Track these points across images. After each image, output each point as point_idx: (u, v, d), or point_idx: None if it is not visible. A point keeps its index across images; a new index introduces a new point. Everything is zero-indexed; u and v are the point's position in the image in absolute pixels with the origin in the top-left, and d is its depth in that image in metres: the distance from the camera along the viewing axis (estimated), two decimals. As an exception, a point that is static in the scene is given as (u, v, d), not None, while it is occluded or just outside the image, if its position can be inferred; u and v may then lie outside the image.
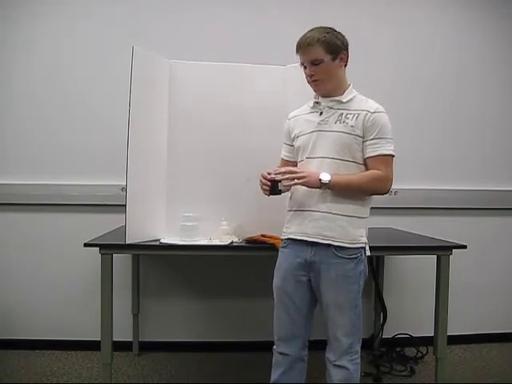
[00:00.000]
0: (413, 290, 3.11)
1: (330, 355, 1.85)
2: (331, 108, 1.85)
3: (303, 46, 1.83)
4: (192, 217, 2.23)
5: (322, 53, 1.81)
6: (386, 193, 1.83)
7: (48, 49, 2.92)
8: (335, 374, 1.84)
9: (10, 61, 2.91)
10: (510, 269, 3.24)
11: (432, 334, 2.36)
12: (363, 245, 1.82)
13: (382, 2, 3.12)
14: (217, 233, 2.25)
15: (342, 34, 1.86)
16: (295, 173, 1.78)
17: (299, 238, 1.85)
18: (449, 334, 2.33)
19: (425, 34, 3.14)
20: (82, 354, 2.89)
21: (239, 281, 2.99)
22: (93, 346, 2.74)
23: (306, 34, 1.84)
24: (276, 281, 1.92)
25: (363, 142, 1.79)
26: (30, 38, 2.91)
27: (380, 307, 3.01)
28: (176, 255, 2.78)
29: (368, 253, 1.86)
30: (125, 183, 2.13)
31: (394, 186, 2.99)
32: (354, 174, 1.80)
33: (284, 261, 1.90)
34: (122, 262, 2.87)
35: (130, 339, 2.93)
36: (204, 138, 2.36)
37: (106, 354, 2.18)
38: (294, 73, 2.35)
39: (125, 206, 2.12)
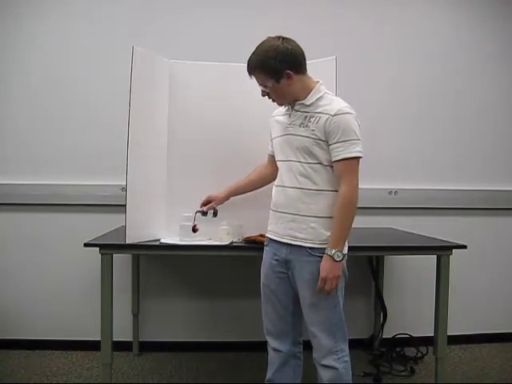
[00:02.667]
0: (413, 290, 3.11)
1: (315, 355, 1.87)
2: (297, 111, 1.84)
3: (248, 72, 1.84)
4: (192, 217, 2.23)
5: (263, 78, 1.81)
6: (357, 203, 1.77)
7: (48, 49, 2.91)
8: (324, 375, 1.85)
9: (10, 60, 2.91)
10: (510, 269, 3.24)
11: (432, 334, 2.36)
12: None
13: (382, 2, 3.12)
14: (217, 233, 2.25)
15: (283, 49, 1.77)
16: (329, 286, 1.76)
17: (273, 237, 1.91)
18: (449, 334, 2.33)
19: (425, 34, 3.14)
20: (82, 353, 2.89)
21: (239, 281, 2.99)
22: (93, 346, 2.74)
23: (249, 57, 1.83)
24: (261, 278, 1.98)
25: (329, 145, 1.77)
26: (29, 38, 2.90)
27: (380, 307, 3.01)
28: (176, 255, 2.78)
29: (344, 251, 1.81)
30: (125, 183, 2.13)
31: (394, 186, 3.08)
32: (334, 221, 1.76)
33: (266, 258, 1.96)
34: (121, 262, 2.87)
35: (130, 339, 2.93)
36: (204, 138, 2.36)
37: (105, 354, 2.17)
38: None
39: (125, 206, 2.12)
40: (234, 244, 2.23)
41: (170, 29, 2.94)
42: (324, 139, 1.76)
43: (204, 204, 2.22)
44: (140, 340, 2.96)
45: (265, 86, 1.83)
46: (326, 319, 1.83)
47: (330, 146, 1.76)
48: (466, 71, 3.17)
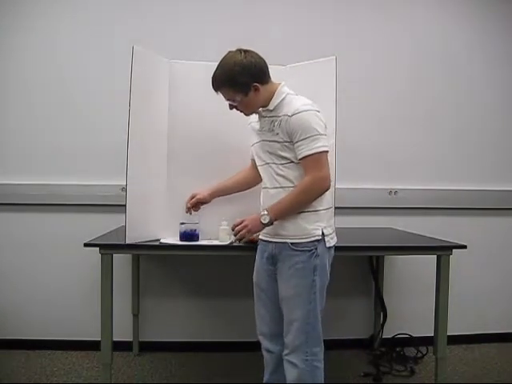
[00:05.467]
0: (413, 290, 3.11)
1: (284, 352, 1.88)
2: (265, 117, 1.89)
3: (214, 88, 1.88)
4: (192, 217, 2.23)
5: (231, 94, 1.86)
6: (324, 191, 1.82)
7: (47, 49, 2.91)
8: (288, 372, 1.86)
9: (9, 60, 2.91)
10: (510, 269, 3.23)
11: (432, 334, 2.36)
12: (318, 237, 1.82)
13: (382, 2, 3.11)
14: (217, 233, 2.25)
15: (248, 63, 1.81)
16: (239, 230, 1.90)
17: (263, 237, 1.96)
18: (449, 334, 2.32)
19: (425, 33, 3.13)
20: (82, 353, 2.89)
21: (239, 281, 2.98)
22: (93, 345, 2.73)
23: (214, 73, 1.86)
24: (253, 277, 2.02)
25: (293, 145, 1.81)
26: (30, 38, 2.90)
27: (380, 307, 3.01)
28: (176, 255, 2.78)
29: (329, 244, 1.85)
30: (125, 183, 2.13)
31: (394, 186, 3.08)
32: (286, 196, 1.83)
33: (257, 257, 2.01)
34: (122, 262, 2.87)
35: (130, 339, 2.93)
36: (204, 138, 2.36)
37: (105, 354, 2.17)
38: (294, 73, 2.35)
39: (125, 206, 2.12)
40: (234, 244, 2.23)
41: (170, 29, 2.94)
42: (289, 140, 1.81)
43: (188, 201, 2.22)
44: (140, 340, 2.96)
45: (233, 101, 1.88)
46: (300, 316, 1.83)
47: (294, 146, 1.81)
48: (466, 71, 3.17)
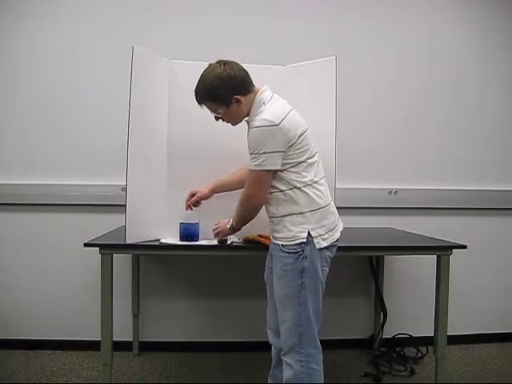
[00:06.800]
0: (413, 290, 3.11)
1: (281, 353, 1.90)
2: (248, 127, 1.89)
3: (197, 102, 1.92)
4: (192, 217, 2.23)
5: (214, 107, 1.89)
6: (254, 208, 1.89)
7: (48, 49, 2.91)
8: (284, 372, 1.87)
9: (10, 61, 2.91)
10: (510, 269, 3.24)
11: (432, 334, 2.36)
12: (303, 240, 1.81)
13: (382, 2, 3.11)
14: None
15: (228, 76, 1.82)
16: (213, 229, 2.10)
17: (270, 237, 2.00)
18: (449, 334, 2.33)
19: (424, 33, 3.13)
20: (82, 354, 2.89)
21: (239, 281, 2.99)
22: (93, 345, 2.73)
23: (195, 87, 1.90)
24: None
25: None
26: (30, 39, 2.90)
27: (380, 307, 3.01)
28: (176, 255, 2.78)
29: (320, 245, 1.83)
30: (125, 183, 2.13)
31: (394, 186, 3.07)
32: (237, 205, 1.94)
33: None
34: (122, 262, 2.87)
35: (130, 339, 2.93)
36: (204, 138, 2.35)
37: (105, 354, 2.17)
38: (294, 73, 2.35)
39: (125, 206, 2.12)
40: (234, 244, 2.23)
41: (170, 29, 2.94)
42: None
43: (188, 199, 2.24)
44: (140, 340, 2.96)
45: (217, 113, 1.90)
46: (290, 317, 1.84)
47: None
48: (465, 71, 3.17)
